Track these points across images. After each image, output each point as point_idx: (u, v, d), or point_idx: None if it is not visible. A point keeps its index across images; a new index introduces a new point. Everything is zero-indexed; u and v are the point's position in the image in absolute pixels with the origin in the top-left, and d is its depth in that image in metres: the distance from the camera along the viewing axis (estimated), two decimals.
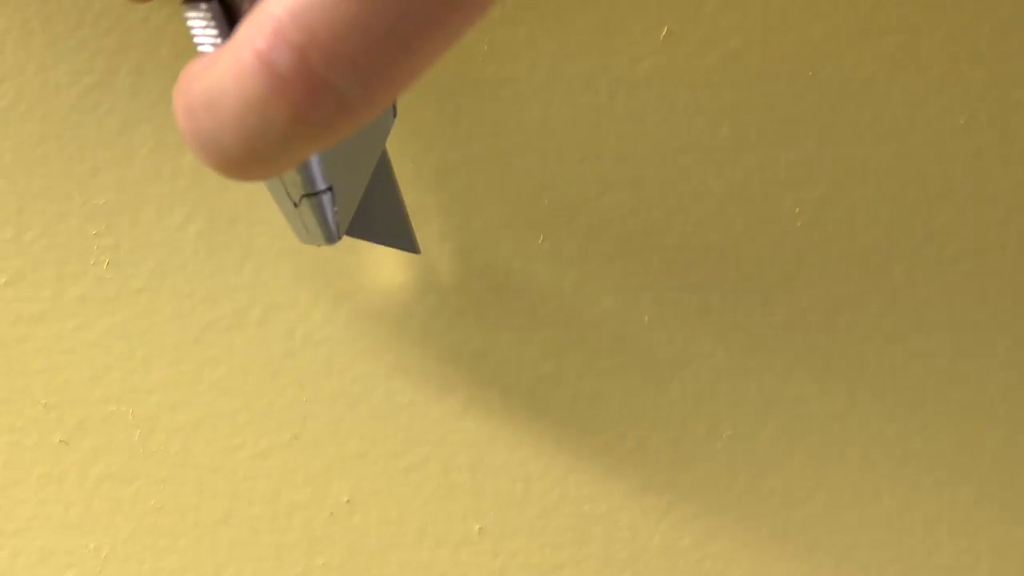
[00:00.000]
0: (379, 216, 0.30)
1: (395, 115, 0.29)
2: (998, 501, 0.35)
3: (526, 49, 0.30)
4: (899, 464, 0.34)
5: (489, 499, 0.33)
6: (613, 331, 0.32)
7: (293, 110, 0.19)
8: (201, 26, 0.22)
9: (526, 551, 0.34)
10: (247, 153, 0.20)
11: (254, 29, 0.19)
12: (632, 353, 0.33)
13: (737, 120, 0.31)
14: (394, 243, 0.30)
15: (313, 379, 0.32)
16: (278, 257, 0.31)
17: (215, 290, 0.31)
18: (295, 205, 0.27)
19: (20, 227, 0.30)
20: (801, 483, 0.34)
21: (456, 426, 0.33)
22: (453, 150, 0.31)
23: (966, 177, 0.32)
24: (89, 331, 0.31)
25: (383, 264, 0.31)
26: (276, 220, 0.31)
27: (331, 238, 0.27)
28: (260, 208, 0.31)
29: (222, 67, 0.20)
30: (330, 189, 0.27)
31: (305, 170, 0.26)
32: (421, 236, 0.31)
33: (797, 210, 0.32)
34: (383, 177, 0.30)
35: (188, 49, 0.29)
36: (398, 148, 0.31)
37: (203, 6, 0.22)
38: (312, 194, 0.26)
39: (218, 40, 0.22)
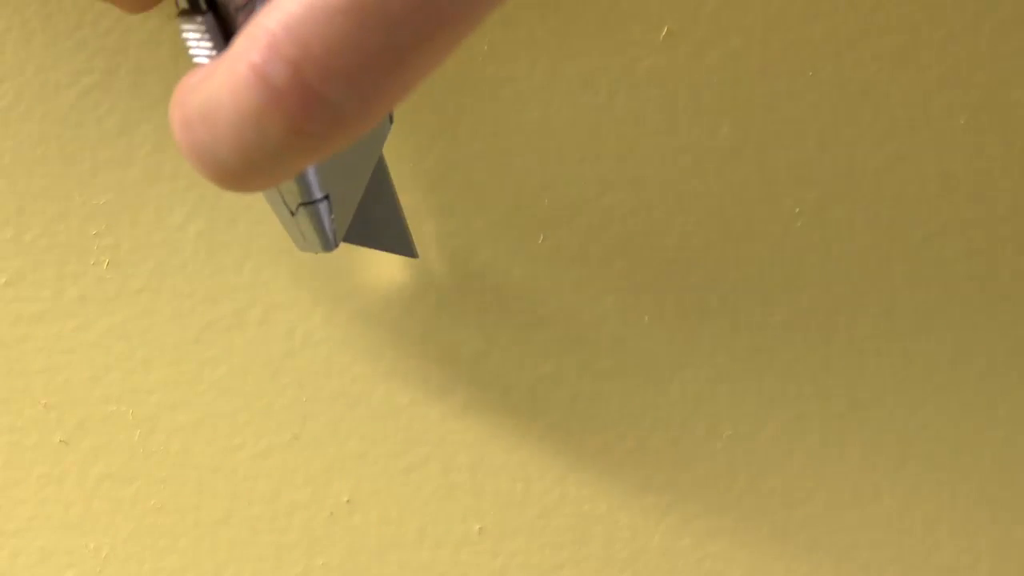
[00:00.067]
0: (377, 222, 0.30)
1: (392, 121, 0.29)
2: (998, 501, 0.35)
3: (526, 49, 0.30)
4: (899, 464, 0.34)
5: (489, 499, 0.33)
6: (613, 331, 0.32)
7: (289, 123, 0.19)
8: (196, 39, 0.22)
9: (526, 551, 0.34)
10: (244, 165, 0.20)
11: (249, 42, 0.19)
12: (632, 353, 0.33)
13: (737, 120, 0.31)
14: (392, 248, 0.30)
15: (313, 379, 0.32)
16: (278, 257, 0.31)
17: (215, 290, 0.31)
18: (292, 214, 0.27)
19: (20, 227, 0.30)
20: (801, 483, 0.34)
21: (456, 426, 0.33)
22: (453, 150, 0.31)
23: (966, 177, 0.32)
24: (89, 331, 0.31)
25: (383, 264, 0.31)
26: (276, 220, 0.31)
27: (328, 246, 0.28)
28: (260, 208, 0.31)
29: (218, 80, 0.20)
30: (327, 198, 0.27)
31: (302, 179, 0.26)
32: (421, 236, 0.31)
33: (797, 210, 0.32)
34: (380, 183, 0.30)
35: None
36: (398, 149, 0.31)
37: (198, 19, 0.22)
38: (309, 203, 0.26)
39: (213, 52, 0.22)
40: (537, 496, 0.33)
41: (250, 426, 0.32)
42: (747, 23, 0.30)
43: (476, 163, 0.31)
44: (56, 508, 0.32)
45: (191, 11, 0.22)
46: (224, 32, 0.22)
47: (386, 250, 0.31)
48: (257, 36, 0.19)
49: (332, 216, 0.27)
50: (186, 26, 0.22)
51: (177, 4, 0.23)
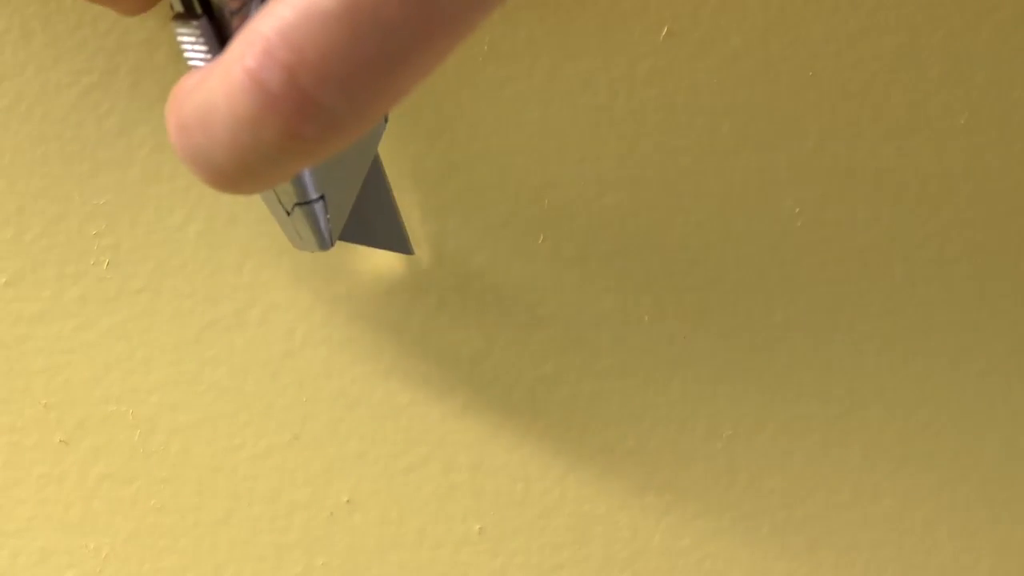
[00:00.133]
0: (372, 220, 0.30)
1: (386, 121, 0.29)
2: (998, 501, 0.35)
3: (526, 49, 0.30)
4: (899, 464, 0.34)
5: (489, 499, 0.33)
6: (613, 331, 0.32)
7: (284, 127, 0.19)
8: (191, 43, 0.22)
9: (526, 551, 0.34)
10: (239, 168, 0.20)
11: (244, 47, 0.19)
12: (632, 353, 0.33)
13: (737, 120, 0.31)
14: (388, 246, 0.31)
15: (313, 379, 0.32)
16: (278, 257, 0.31)
17: (215, 290, 0.31)
18: (288, 213, 0.27)
19: (20, 227, 0.30)
20: (801, 483, 0.34)
21: (456, 426, 0.33)
22: (453, 150, 0.31)
23: (966, 177, 0.32)
24: (89, 331, 0.31)
25: (383, 264, 0.31)
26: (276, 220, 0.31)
27: (324, 245, 0.28)
28: (260, 208, 0.31)
29: (213, 84, 0.20)
30: (322, 198, 0.27)
31: (297, 179, 0.26)
32: (421, 236, 0.31)
33: (797, 210, 0.32)
34: (375, 181, 0.30)
35: None
36: (398, 147, 0.31)
37: (193, 23, 0.22)
38: (305, 203, 0.27)
39: (209, 57, 0.22)
40: (537, 496, 0.33)
41: (250, 426, 0.32)
42: (747, 23, 0.30)
43: (476, 163, 0.31)
44: (56, 508, 0.32)
45: (186, 15, 0.22)
46: (219, 36, 0.22)
47: (382, 248, 0.31)
48: (252, 41, 0.19)
49: (328, 216, 0.27)
50: (181, 30, 0.22)
51: (172, 8, 0.23)
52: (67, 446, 0.32)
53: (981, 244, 0.33)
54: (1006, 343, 0.34)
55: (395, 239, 0.31)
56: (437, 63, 0.20)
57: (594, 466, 0.33)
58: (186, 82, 0.21)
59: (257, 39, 0.19)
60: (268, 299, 0.31)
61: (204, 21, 0.22)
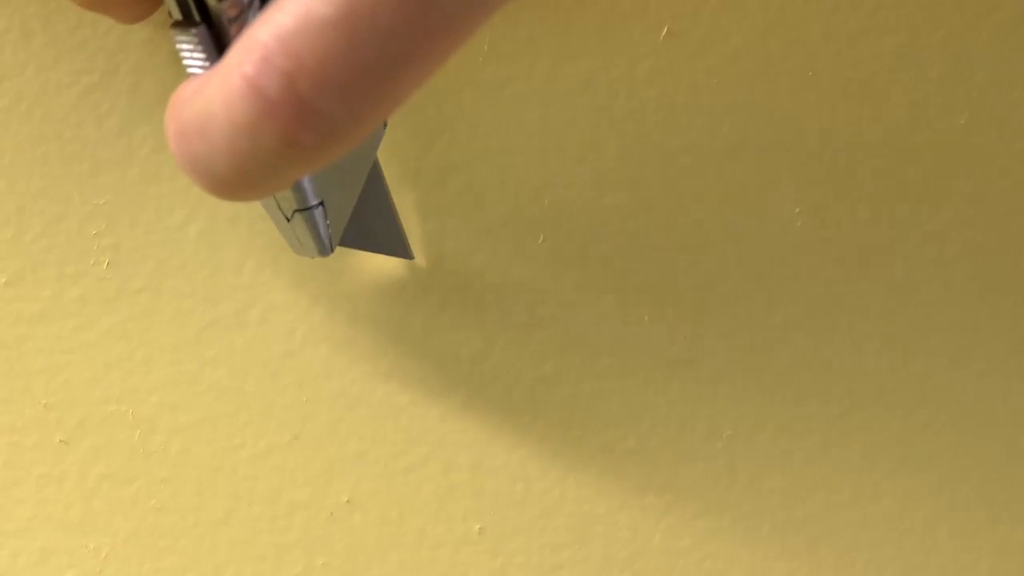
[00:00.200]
0: (372, 225, 0.30)
1: (385, 126, 0.29)
2: (998, 501, 0.35)
3: (526, 49, 0.30)
4: (899, 464, 0.34)
5: (489, 499, 0.33)
6: (613, 331, 0.32)
7: (283, 134, 0.19)
8: (189, 50, 0.22)
9: (526, 551, 0.34)
10: (238, 175, 0.20)
11: (242, 54, 0.19)
12: (632, 353, 0.33)
13: (737, 120, 0.31)
14: (388, 251, 0.31)
15: (313, 379, 0.32)
16: (278, 257, 0.31)
17: (215, 290, 0.31)
18: (288, 220, 0.27)
19: (20, 227, 0.30)
20: (801, 483, 0.34)
21: (456, 426, 0.33)
22: (453, 150, 0.31)
23: (966, 177, 0.32)
24: (89, 331, 0.31)
25: (383, 265, 0.31)
26: None
27: (324, 251, 0.28)
28: (260, 208, 0.31)
29: (211, 91, 0.20)
30: (322, 203, 0.27)
31: (297, 186, 0.26)
32: (421, 235, 0.31)
33: (797, 210, 0.32)
34: (375, 186, 0.30)
35: None
36: (397, 149, 0.31)
37: (192, 30, 0.22)
38: (304, 209, 0.27)
39: (207, 64, 0.22)
40: (537, 496, 0.33)
41: (250, 426, 0.32)
42: (747, 23, 0.30)
43: (476, 163, 0.31)
44: (56, 508, 0.32)
45: (184, 23, 0.22)
46: (218, 43, 0.22)
47: (382, 253, 0.31)
48: (250, 48, 0.19)
49: (327, 222, 0.27)
50: (179, 37, 0.22)
51: (170, 15, 0.23)
52: (67, 446, 0.32)
53: (981, 244, 0.33)
54: (1006, 343, 0.34)
55: (395, 244, 0.31)
56: (435, 69, 0.20)
57: (594, 466, 0.33)
58: (184, 89, 0.21)
59: (255, 46, 0.19)
60: (268, 299, 0.31)
61: (202, 29, 0.22)
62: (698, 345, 0.33)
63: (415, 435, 0.33)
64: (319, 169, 0.21)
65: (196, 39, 0.22)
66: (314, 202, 0.27)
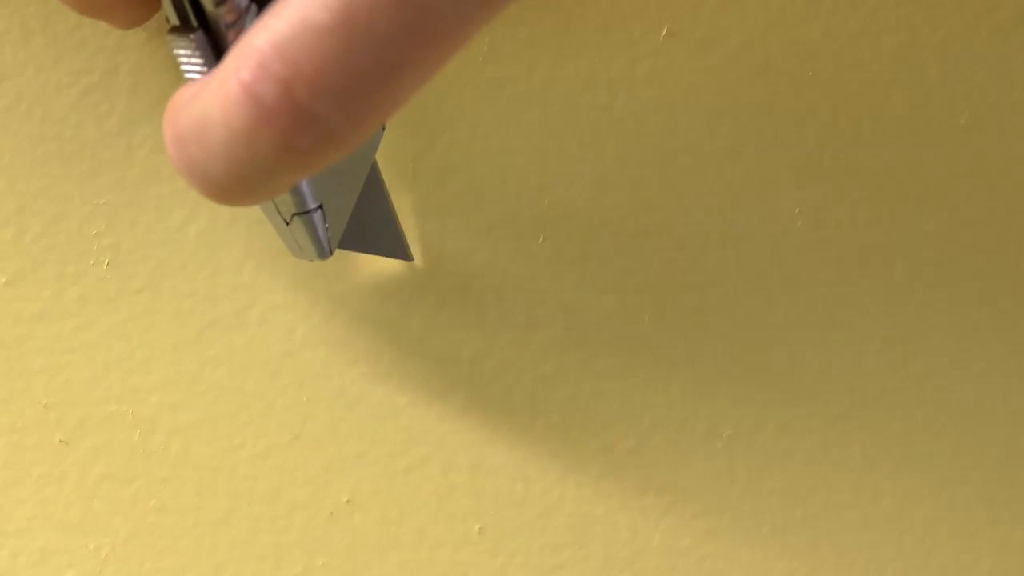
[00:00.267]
0: (371, 228, 0.30)
1: (384, 128, 0.29)
2: (998, 501, 0.35)
3: (526, 49, 0.30)
4: (899, 464, 0.34)
5: (489, 499, 0.33)
6: (613, 331, 0.32)
7: (280, 139, 0.19)
8: (187, 55, 0.22)
9: (526, 551, 0.34)
10: (236, 181, 0.20)
11: (239, 60, 0.19)
12: (632, 353, 0.33)
13: (737, 120, 0.31)
14: (388, 253, 0.31)
15: (313, 379, 0.32)
16: (278, 257, 0.31)
17: (215, 290, 0.31)
18: (287, 223, 0.27)
19: (20, 227, 0.30)
20: (801, 483, 0.34)
21: (456, 426, 0.33)
22: (453, 150, 0.31)
23: (966, 177, 0.32)
24: (89, 331, 0.31)
25: (383, 265, 0.31)
26: None
27: (323, 254, 0.28)
28: (259, 210, 0.31)
29: (208, 97, 0.20)
30: (320, 207, 0.27)
31: (295, 189, 0.26)
32: (420, 236, 0.31)
33: (797, 210, 0.32)
34: (373, 189, 0.30)
35: None
36: (397, 149, 0.31)
37: (189, 36, 0.22)
38: (303, 212, 0.27)
39: (205, 69, 0.22)
40: (537, 496, 0.33)
41: (250, 426, 0.32)
42: (747, 23, 0.30)
43: (476, 163, 0.31)
44: (56, 508, 0.32)
45: (182, 28, 0.22)
46: (215, 48, 0.22)
47: (382, 255, 0.31)
48: (247, 54, 0.19)
49: (327, 225, 0.27)
50: (177, 43, 0.22)
51: (168, 21, 0.23)
52: (67, 446, 0.32)
53: (981, 244, 0.33)
54: (1006, 343, 0.34)
55: (394, 246, 0.31)
56: (432, 74, 0.20)
57: (594, 466, 0.33)
58: (182, 94, 0.21)
59: (252, 52, 0.19)
60: (268, 299, 0.31)
61: (200, 34, 0.22)
62: (698, 345, 0.33)
63: (415, 435, 0.33)
64: (316, 174, 0.21)
65: (193, 44, 0.22)
66: (313, 206, 0.27)
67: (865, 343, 0.33)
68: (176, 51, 0.23)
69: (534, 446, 0.33)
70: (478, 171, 0.31)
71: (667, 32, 0.30)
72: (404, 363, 0.32)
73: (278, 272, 0.31)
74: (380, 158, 0.30)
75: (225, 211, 0.31)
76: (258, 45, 0.19)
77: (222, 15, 0.21)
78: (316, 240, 0.27)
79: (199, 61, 0.22)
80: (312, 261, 0.29)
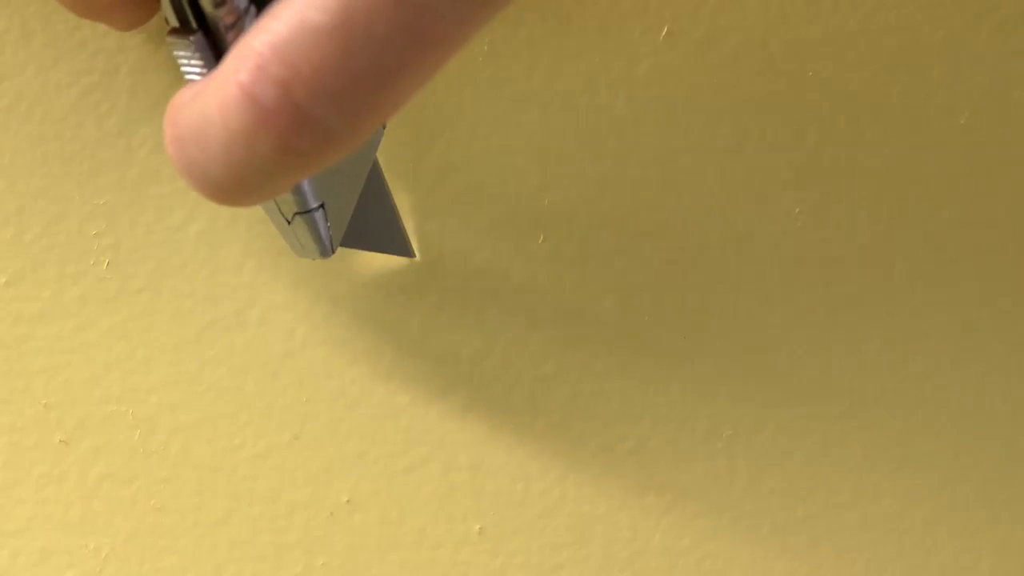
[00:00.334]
0: (373, 225, 0.30)
1: (384, 127, 0.29)
2: (998, 501, 0.35)
3: (526, 49, 0.30)
4: (899, 464, 0.34)
5: (489, 499, 0.33)
6: (613, 331, 0.32)
7: (278, 141, 0.19)
8: (187, 56, 0.22)
9: (526, 551, 0.34)
10: (235, 182, 0.20)
11: (238, 62, 0.19)
12: (632, 353, 0.33)
13: (737, 120, 0.31)
14: (389, 250, 0.31)
15: (313, 379, 0.32)
16: (278, 257, 0.31)
17: (215, 290, 0.31)
18: (288, 222, 0.27)
19: (20, 227, 0.30)
20: (801, 483, 0.34)
21: (456, 426, 0.33)
22: (453, 150, 0.31)
23: (966, 177, 0.32)
24: (89, 331, 0.31)
25: (383, 265, 0.31)
26: None
27: (325, 252, 0.28)
28: (260, 209, 0.31)
29: (208, 99, 0.20)
30: (322, 206, 0.27)
31: (297, 189, 0.26)
32: (420, 236, 0.31)
33: (797, 210, 0.32)
34: (374, 187, 0.30)
35: None
36: (397, 149, 0.31)
37: (189, 38, 0.22)
38: (304, 212, 0.27)
39: (204, 71, 0.22)
40: (537, 496, 0.33)
41: (250, 426, 0.32)
42: (747, 23, 0.30)
43: (476, 163, 0.31)
44: (56, 508, 0.32)
45: (182, 30, 0.22)
46: (215, 50, 0.22)
47: (383, 252, 0.31)
48: (246, 56, 0.19)
49: (328, 223, 0.27)
50: (176, 44, 0.23)
51: (167, 22, 0.23)
52: (67, 446, 0.32)
53: (981, 244, 0.33)
54: (1006, 343, 0.34)
55: (396, 243, 0.31)
56: (430, 76, 0.20)
57: (594, 466, 0.33)
58: (182, 96, 0.21)
59: (251, 54, 0.19)
60: (268, 299, 0.31)
61: (199, 36, 0.22)
62: (698, 345, 0.33)
63: (415, 435, 0.33)
64: (318, 173, 0.21)
65: (193, 46, 0.22)
66: (314, 205, 0.27)
67: (865, 343, 0.33)
68: (176, 53, 0.23)
69: (534, 446, 0.33)
70: (478, 171, 0.31)
71: (667, 32, 0.30)
72: (404, 363, 0.32)
73: (278, 272, 0.31)
74: (380, 158, 0.30)
75: (225, 211, 0.31)
76: (257, 47, 0.19)
77: (221, 17, 0.21)
78: (318, 239, 0.27)
79: (199, 63, 0.22)
80: (314, 260, 0.29)
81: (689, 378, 0.33)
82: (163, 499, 0.32)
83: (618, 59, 0.30)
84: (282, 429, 0.32)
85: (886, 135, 0.32)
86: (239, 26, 0.21)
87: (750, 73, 0.31)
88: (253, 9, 0.21)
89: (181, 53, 0.23)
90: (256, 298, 0.31)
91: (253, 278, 0.31)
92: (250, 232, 0.31)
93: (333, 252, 0.28)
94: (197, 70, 0.22)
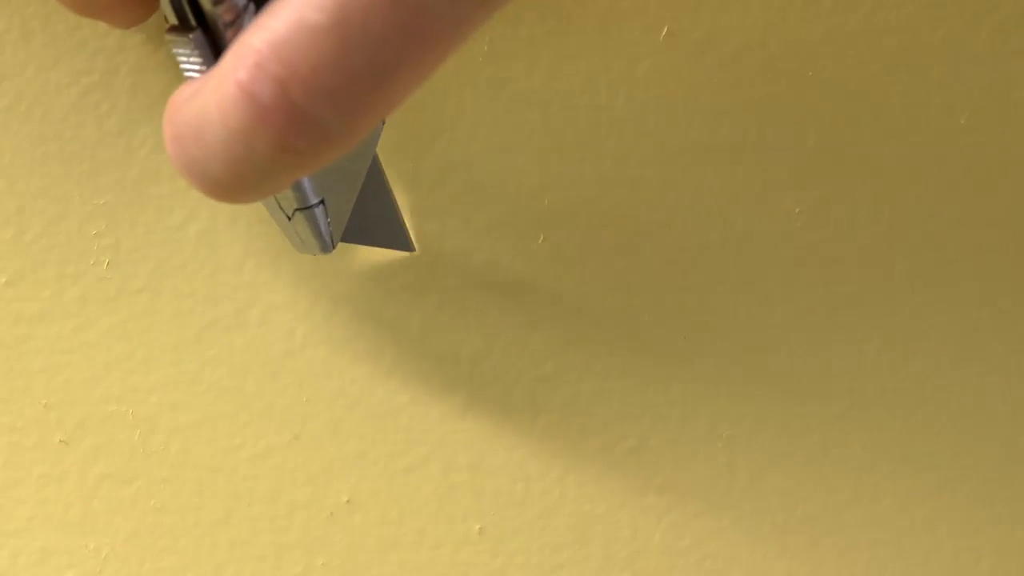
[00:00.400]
0: (372, 220, 0.30)
1: (383, 123, 0.29)
2: (998, 501, 0.35)
3: (526, 49, 0.30)
4: (899, 464, 0.34)
5: (489, 499, 0.33)
6: (613, 331, 0.32)
7: (276, 139, 0.19)
8: (186, 54, 0.23)
9: (526, 551, 0.34)
10: (234, 179, 0.20)
11: (236, 60, 0.19)
12: (632, 353, 0.33)
13: (737, 120, 0.31)
14: (389, 244, 0.31)
15: (313, 379, 0.32)
16: (278, 257, 0.31)
17: (215, 290, 0.31)
18: (289, 218, 0.27)
19: (20, 227, 0.30)
20: (801, 483, 0.34)
21: (456, 426, 0.33)
22: (453, 150, 0.31)
23: (966, 177, 0.32)
24: (89, 331, 0.31)
25: (383, 264, 0.31)
26: None
27: (326, 248, 0.28)
28: (260, 208, 0.31)
29: (206, 96, 0.20)
30: (322, 202, 0.27)
31: (297, 185, 0.26)
32: (420, 236, 0.31)
33: (797, 210, 0.32)
34: (374, 181, 0.30)
35: None
36: (397, 148, 0.31)
37: (188, 35, 0.22)
38: (305, 208, 0.27)
39: (204, 68, 0.22)
40: (537, 496, 0.33)
41: (250, 426, 0.32)
42: (747, 23, 0.30)
43: (476, 163, 0.31)
44: (56, 508, 0.32)
45: (181, 28, 0.22)
46: (214, 47, 0.22)
47: (384, 246, 0.31)
48: (244, 54, 0.19)
49: (328, 219, 0.27)
50: (175, 42, 0.23)
51: (166, 20, 0.23)
52: (67, 446, 0.32)
53: (981, 244, 0.33)
54: (1006, 343, 0.34)
55: (396, 237, 0.31)
56: (428, 74, 0.20)
57: (594, 466, 0.33)
58: (181, 93, 0.21)
59: (249, 52, 0.19)
60: (268, 299, 0.31)
61: (198, 34, 0.22)
62: (698, 345, 0.33)
63: (415, 435, 0.33)
64: (316, 171, 0.21)
65: (192, 44, 0.22)
66: (314, 200, 0.27)
67: (865, 343, 0.33)
68: (175, 50, 0.23)
69: (534, 446, 0.33)
70: (478, 171, 0.31)
71: (667, 32, 0.30)
72: (404, 363, 0.32)
73: (278, 272, 0.31)
74: (381, 157, 0.30)
75: (225, 211, 0.31)
76: (255, 45, 0.19)
77: (220, 14, 0.21)
78: (318, 235, 0.27)
79: (198, 60, 0.22)
80: (315, 255, 0.29)
81: (689, 378, 0.33)
82: (163, 499, 0.32)
83: (618, 59, 0.30)
84: (282, 429, 0.32)
85: (886, 135, 0.32)
86: (238, 24, 0.21)
87: (750, 73, 0.31)
88: (252, 7, 0.21)
89: (180, 51, 0.23)
90: (256, 298, 0.31)
91: (253, 278, 0.31)
92: (250, 232, 0.31)
93: (334, 247, 0.28)
94: (196, 68, 0.23)
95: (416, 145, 0.31)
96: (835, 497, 0.34)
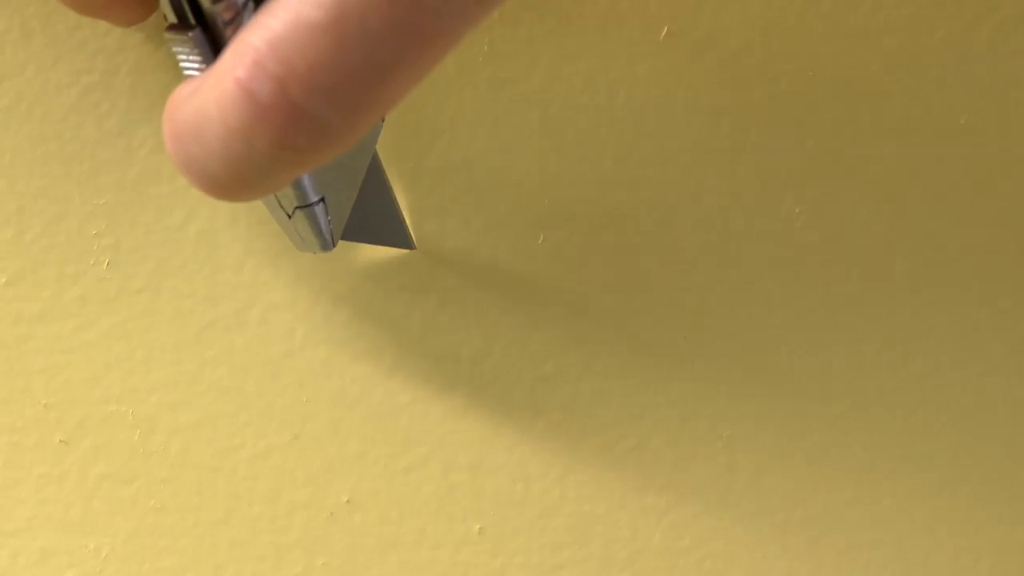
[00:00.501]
0: (373, 218, 0.30)
1: (383, 121, 0.29)
2: (998, 501, 0.35)
3: (526, 49, 0.30)
4: (899, 464, 0.34)
5: (489, 499, 0.33)
6: (613, 331, 0.32)
7: (275, 137, 0.19)
8: (185, 52, 0.23)
9: (526, 551, 0.34)
10: (233, 177, 0.20)
11: (235, 58, 0.19)
12: (632, 353, 0.33)
13: (737, 120, 0.31)
14: (389, 242, 0.31)
15: (313, 379, 0.32)
16: (278, 257, 0.31)
17: (215, 290, 0.31)
18: (289, 216, 0.27)
19: (20, 227, 0.30)
20: (801, 483, 0.34)
21: (456, 426, 0.33)
22: (453, 150, 0.31)
23: (966, 177, 0.32)
24: (89, 331, 0.31)
25: (383, 264, 0.31)
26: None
27: (326, 246, 0.28)
28: (260, 208, 0.31)
29: (206, 94, 0.20)
30: (322, 200, 0.27)
31: (297, 183, 0.26)
32: (420, 236, 0.31)
33: (797, 210, 0.32)
34: (374, 179, 0.30)
35: None
36: (397, 148, 0.31)
37: (187, 33, 0.22)
38: (305, 206, 0.27)
39: (203, 66, 0.22)
40: (537, 496, 0.33)
41: (250, 426, 0.32)
42: (747, 23, 0.30)
43: (476, 163, 0.31)
44: (56, 508, 0.32)
45: (180, 26, 0.22)
46: (213, 46, 0.22)
47: (384, 244, 0.31)
48: (243, 52, 0.19)
49: (329, 217, 0.27)
50: (175, 40, 0.23)
51: (166, 18, 0.23)
52: (67, 446, 0.32)
53: (981, 244, 0.33)
54: (1006, 343, 0.34)
55: (396, 235, 0.31)
56: (426, 72, 0.20)
57: (594, 466, 0.33)
58: (180, 92, 0.21)
59: (247, 50, 0.19)
60: (268, 299, 0.31)
61: (197, 32, 0.22)
62: (698, 345, 0.33)
63: (415, 435, 0.33)
64: (315, 169, 0.21)
65: (191, 42, 0.22)
66: (315, 199, 0.27)
67: (865, 343, 0.33)
68: (174, 49, 0.23)
69: (534, 446, 0.33)
70: (478, 171, 0.31)
71: (667, 32, 0.30)
72: (404, 363, 0.32)
73: (278, 271, 0.31)
74: (381, 156, 0.30)
75: (225, 210, 0.31)
76: (253, 43, 0.19)
77: (219, 12, 0.21)
78: (319, 233, 0.27)
79: (197, 58, 0.22)
80: (315, 253, 0.29)
81: (689, 378, 0.33)
82: (163, 499, 0.32)
83: (618, 59, 0.30)
84: (282, 429, 0.32)
85: (886, 135, 0.32)
86: (237, 22, 0.21)
87: (750, 73, 0.31)
88: (251, 5, 0.21)
89: (179, 49, 0.23)
90: (256, 298, 0.31)
91: (253, 278, 0.31)
92: (250, 232, 0.31)
93: (334, 245, 0.28)
94: (195, 66, 0.23)
95: (416, 145, 0.31)
96: (835, 497, 0.34)
